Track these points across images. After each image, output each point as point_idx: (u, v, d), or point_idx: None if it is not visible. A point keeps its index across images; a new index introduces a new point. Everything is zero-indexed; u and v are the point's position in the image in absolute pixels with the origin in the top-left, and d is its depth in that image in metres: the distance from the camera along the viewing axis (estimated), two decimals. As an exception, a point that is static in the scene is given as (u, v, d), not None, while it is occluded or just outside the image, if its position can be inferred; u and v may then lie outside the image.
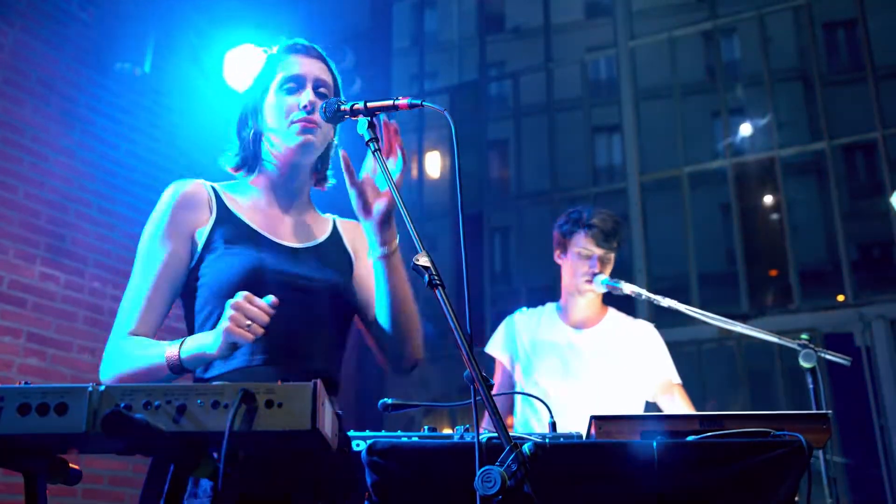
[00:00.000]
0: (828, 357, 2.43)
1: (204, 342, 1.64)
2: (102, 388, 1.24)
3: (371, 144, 1.82)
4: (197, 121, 5.05)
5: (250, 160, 2.01)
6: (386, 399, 2.42)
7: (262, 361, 1.77)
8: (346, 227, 2.12)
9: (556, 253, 3.14)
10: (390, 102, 1.86)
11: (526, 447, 1.42)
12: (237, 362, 1.77)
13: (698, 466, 1.92)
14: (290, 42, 2.03)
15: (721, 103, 5.67)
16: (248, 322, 1.56)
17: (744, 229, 5.36)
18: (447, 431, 2.36)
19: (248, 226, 1.91)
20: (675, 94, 5.72)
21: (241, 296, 1.58)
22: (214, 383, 1.53)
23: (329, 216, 2.12)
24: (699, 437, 2.01)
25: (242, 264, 1.80)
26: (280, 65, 1.97)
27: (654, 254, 5.47)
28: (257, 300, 1.58)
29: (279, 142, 1.94)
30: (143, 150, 4.95)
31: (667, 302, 2.71)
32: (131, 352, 1.76)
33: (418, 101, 1.88)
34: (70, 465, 1.41)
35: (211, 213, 1.90)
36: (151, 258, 1.86)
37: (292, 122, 1.91)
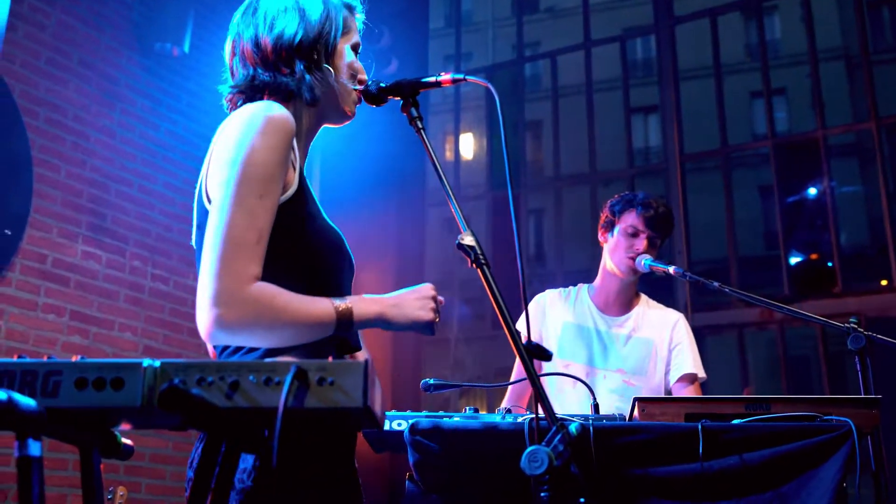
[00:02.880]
0: (878, 340, 2.38)
1: (386, 313, 1.60)
2: (157, 364, 1.25)
3: (416, 123, 1.81)
4: (201, 83, 5.09)
5: (291, 93, 1.74)
6: (428, 379, 2.44)
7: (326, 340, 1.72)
8: None
9: (602, 232, 3.11)
10: (433, 79, 1.85)
11: (573, 427, 1.41)
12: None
13: (744, 450, 1.91)
14: (358, 3, 1.94)
15: (763, 83, 5.55)
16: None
17: (785, 212, 5.27)
18: (486, 413, 2.36)
19: (309, 185, 1.75)
20: (716, 72, 5.63)
21: (431, 287, 1.69)
22: (267, 360, 1.54)
23: None
24: (745, 420, 1.99)
25: (331, 232, 1.70)
26: (352, 23, 1.85)
27: (693, 236, 5.41)
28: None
29: (345, 98, 1.82)
30: (182, 130, 4.99)
31: (716, 284, 2.67)
32: (288, 301, 1.51)
33: (461, 76, 1.87)
34: (123, 440, 1.43)
35: (296, 157, 1.69)
36: (269, 185, 1.55)
37: (355, 89, 1.87)
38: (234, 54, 1.87)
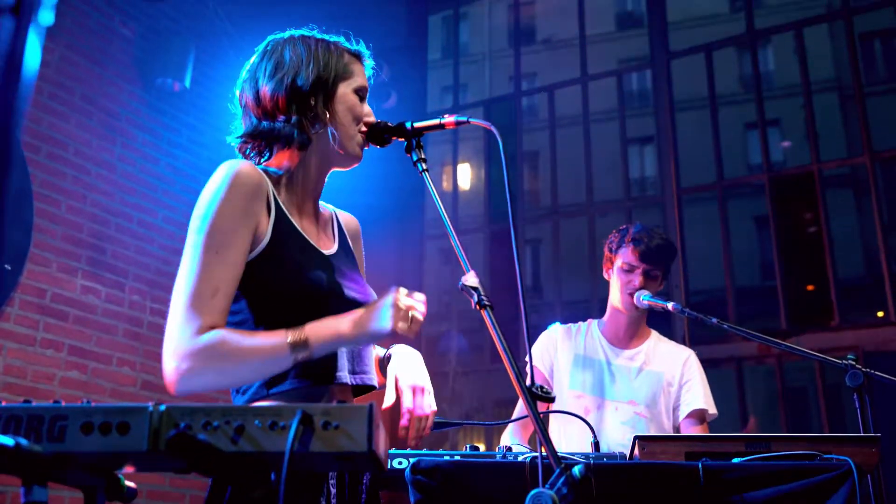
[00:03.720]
0: (876, 377, 2.39)
1: (342, 331, 1.61)
2: (163, 407, 1.25)
3: (419, 165, 1.84)
4: (202, 118, 5.14)
5: (289, 140, 1.81)
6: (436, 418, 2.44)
7: (325, 378, 1.75)
8: (345, 222, 2.06)
9: (605, 269, 3.14)
10: (437, 122, 1.88)
11: (576, 470, 1.41)
12: (300, 379, 1.74)
13: (745, 489, 1.91)
14: (364, 49, 1.98)
15: (758, 115, 5.61)
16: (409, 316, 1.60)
17: (781, 244, 5.31)
18: (483, 449, 2.36)
19: (295, 228, 1.80)
20: (712, 106, 5.69)
21: (401, 291, 1.61)
22: (271, 403, 1.55)
23: (328, 208, 2.03)
24: (745, 458, 2.00)
25: (309, 280, 1.72)
26: (355, 67, 1.90)
27: (689, 267, 5.44)
28: (414, 294, 1.63)
29: (346, 143, 1.85)
30: (182, 165, 5.02)
31: (714, 320, 2.69)
32: (237, 343, 1.56)
33: (464, 118, 1.90)
34: (126, 482, 1.44)
35: (270, 208, 1.74)
36: (228, 239, 1.63)
37: (360, 131, 1.90)
38: (240, 105, 1.93)
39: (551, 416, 3.04)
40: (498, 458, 2.21)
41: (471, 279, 1.66)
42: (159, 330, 4.65)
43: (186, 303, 1.56)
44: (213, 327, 1.56)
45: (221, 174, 1.68)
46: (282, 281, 1.69)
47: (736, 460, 2.00)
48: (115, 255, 4.55)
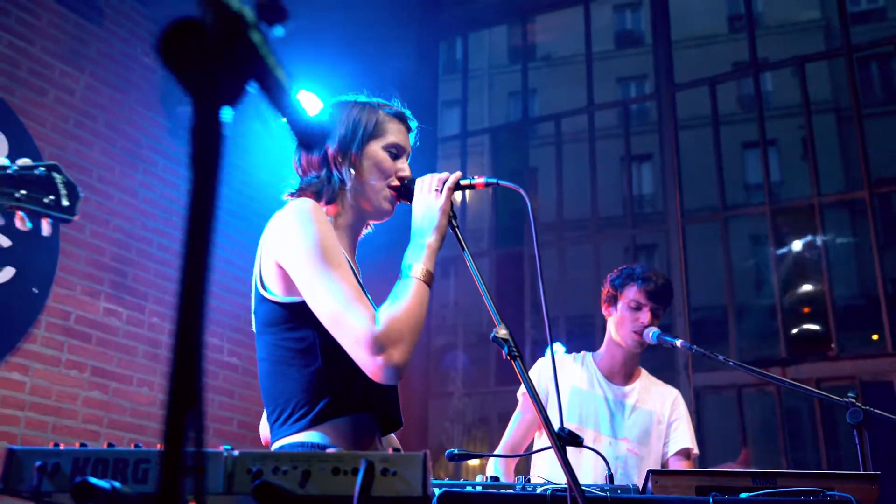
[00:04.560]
0: (875, 415, 2.53)
1: (432, 245, 1.93)
2: (237, 453, 1.40)
3: (451, 221, 1.99)
4: (253, 161, 5.28)
5: (327, 194, 2.03)
6: (453, 450, 2.58)
7: (362, 412, 1.90)
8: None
9: (605, 307, 3.26)
10: (468, 182, 2.04)
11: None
12: (342, 410, 1.87)
13: (754, 524, 2.05)
14: (403, 110, 2.16)
15: (760, 141, 5.77)
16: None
17: (779, 265, 5.45)
18: (501, 479, 2.49)
19: (353, 264, 1.99)
20: (715, 136, 5.85)
21: (419, 183, 1.99)
22: (332, 450, 1.69)
23: None
24: (753, 494, 2.14)
25: None
26: (390, 126, 2.07)
27: (689, 284, 5.58)
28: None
29: (372, 197, 2.04)
30: (200, 190, 5.16)
31: (721, 358, 2.83)
32: (400, 308, 1.77)
33: (494, 180, 2.06)
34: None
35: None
36: (340, 257, 1.82)
37: (389, 186, 2.05)
38: (293, 161, 2.14)
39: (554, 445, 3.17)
40: (518, 489, 2.34)
41: (502, 332, 1.81)
42: (177, 351, 4.78)
43: (346, 308, 1.73)
44: (374, 314, 1.75)
45: (302, 208, 1.87)
46: None
47: (744, 495, 2.14)
48: (135, 278, 4.69)
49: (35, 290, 4.16)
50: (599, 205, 6.24)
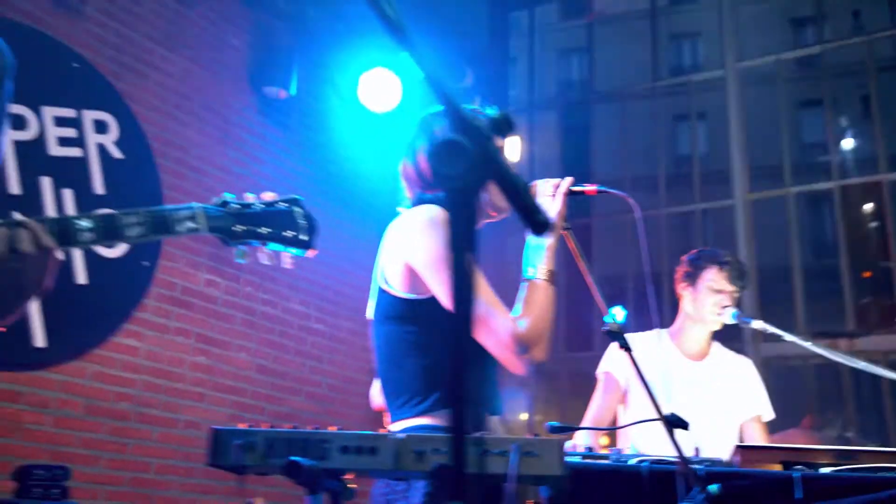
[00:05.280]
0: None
1: (550, 244, 2.11)
2: (401, 437, 1.65)
3: (564, 225, 2.20)
4: (335, 138, 5.53)
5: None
6: (553, 423, 2.81)
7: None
8: None
9: (682, 284, 3.43)
10: (579, 188, 2.24)
11: (713, 488, 1.77)
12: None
13: (838, 496, 2.24)
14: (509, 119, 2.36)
15: (831, 119, 5.81)
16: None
17: (848, 243, 5.54)
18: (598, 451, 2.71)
19: None
20: (782, 120, 5.91)
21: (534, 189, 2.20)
22: (481, 434, 1.94)
23: None
24: (837, 469, 2.33)
25: None
26: (499, 139, 2.28)
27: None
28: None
29: (493, 201, 2.28)
30: (285, 165, 5.43)
31: (789, 337, 3.00)
32: (536, 308, 2.02)
33: (604, 188, 2.26)
34: (349, 485, 1.85)
35: None
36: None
37: None
38: (403, 177, 2.35)
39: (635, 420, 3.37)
40: (612, 460, 2.56)
41: (615, 325, 2.04)
42: (269, 319, 5.10)
43: (489, 313, 1.99)
44: (514, 318, 1.98)
45: (432, 215, 2.11)
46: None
47: (826, 470, 2.34)
48: (231, 251, 4.98)
49: (146, 264, 4.49)
50: (648, 165, 6.36)
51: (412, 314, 2.14)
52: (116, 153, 4.49)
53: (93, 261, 4.26)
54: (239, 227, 1.75)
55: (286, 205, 1.87)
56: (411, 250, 2.11)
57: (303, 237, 1.83)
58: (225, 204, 1.78)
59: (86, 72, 4.44)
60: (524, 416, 7.57)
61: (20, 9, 4.20)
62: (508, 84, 6.78)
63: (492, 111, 2.43)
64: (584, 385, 3.97)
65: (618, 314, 2.08)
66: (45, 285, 1.55)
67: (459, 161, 0.91)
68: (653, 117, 6.77)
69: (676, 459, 1.91)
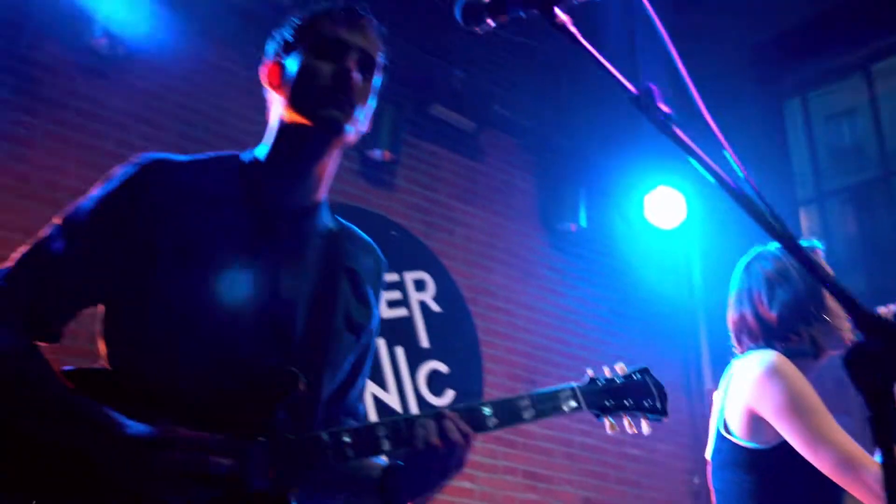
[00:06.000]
0: None
1: None
2: None
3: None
4: (627, 261, 5.66)
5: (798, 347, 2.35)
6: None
7: None
8: None
9: None
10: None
11: None
12: None
13: None
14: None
15: None
16: None
17: None
18: None
19: None
20: None
21: None
22: None
23: None
24: None
25: None
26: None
27: None
28: None
29: (839, 340, 2.34)
30: (586, 294, 5.61)
31: None
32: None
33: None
34: None
35: None
36: (824, 409, 2.16)
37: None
38: (737, 319, 2.41)
39: None
40: None
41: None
42: (587, 448, 5.19)
43: (852, 458, 2.02)
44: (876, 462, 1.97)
45: (774, 362, 2.19)
46: None
47: None
48: (544, 384, 5.14)
49: (471, 408, 4.79)
50: None
51: (753, 463, 2.19)
52: (435, 307, 4.91)
53: (425, 407, 4.63)
54: (609, 402, 1.89)
55: (640, 375, 2.01)
56: (757, 398, 2.17)
57: (658, 405, 1.96)
58: (594, 381, 1.94)
59: (403, 237, 4.95)
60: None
61: (343, 192, 4.80)
62: (792, 173, 6.52)
63: (818, 245, 2.43)
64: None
65: None
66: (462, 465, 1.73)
67: (873, 366, 0.95)
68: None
69: None
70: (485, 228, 5.34)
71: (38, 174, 3.91)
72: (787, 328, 2.29)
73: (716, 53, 6.05)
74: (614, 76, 1.32)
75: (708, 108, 1.32)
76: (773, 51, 6.29)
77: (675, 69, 1.35)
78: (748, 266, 2.45)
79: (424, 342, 4.80)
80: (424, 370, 4.75)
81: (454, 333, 4.92)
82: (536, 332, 5.31)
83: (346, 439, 1.54)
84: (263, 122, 1.74)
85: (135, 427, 1.42)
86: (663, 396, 1.91)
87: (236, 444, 1.45)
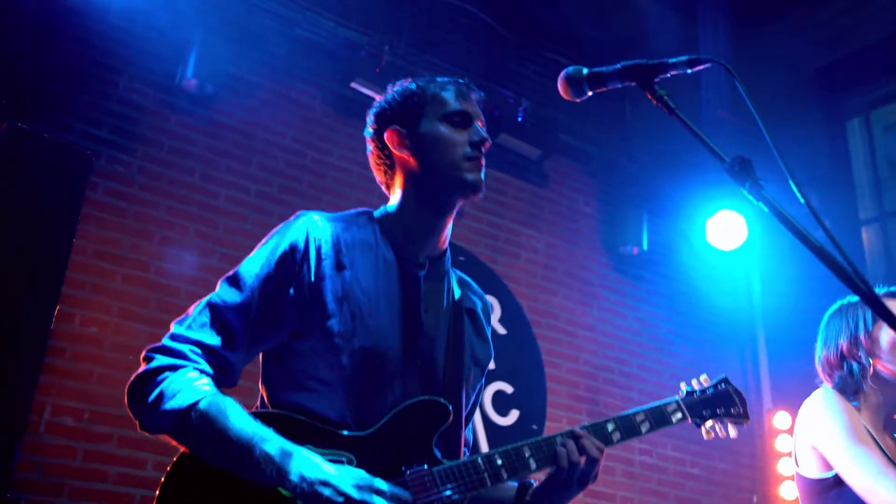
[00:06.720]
0: None
1: None
2: None
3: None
4: (688, 283, 5.78)
5: (850, 385, 2.55)
6: None
7: None
8: None
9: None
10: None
11: None
12: None
13: None
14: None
15: None
16: None
17: None
18: None
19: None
20: None
21: None
22: None
23: None
24: None
25: None
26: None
27: None
28: None
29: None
30: (644, 316, 5.74)
31: None
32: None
33: None
34: None
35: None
36: (866, 438, 2.39)
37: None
38: (826, 361, 2.60)
39: None
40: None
41: None
42: (647, 468, 5.33)
43: (876, 480, 2.24)
44: None
45: (825, 400, 2.45)
46: None
47: None
48: (605, 404, 5.36)
49: (534, 427, 4.99)
50: None
51: (821, 495, 2.41)
52: (501, 330, 5.11)
53: (490, 427, 4.83)
54: (705, 412, 2.07)
55: (723, 385, 2.18)
56: (812, 433, 2.43)
57: (742, 410, 2.15)
58: (690, 394, 2.11)
59: (470, 262, 5.15)
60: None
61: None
62: (855, 193, 6.53)
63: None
64: None
65: None
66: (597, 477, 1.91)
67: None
68: None
69: None
70: (547, 252, 5.52)
71: (133, 209, 4.21)
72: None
73: (781, 77, 6.12)
74: (708, 145, 1.47)
75: (773, 128, 1.44)
76: (838, 74, 6.33)
77: (744, 102, 1.49)
78: (840, 312, 2.60)
79: (491, 364, 5.00)
80: (490, 391, 4.96)
81: (519, 355, 5.11)
82: (598, 353, 5.47)
83: (499, 462, 1.74)
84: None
85: (347, 470, 1.62)
86: (744, 402, 2.14)
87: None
